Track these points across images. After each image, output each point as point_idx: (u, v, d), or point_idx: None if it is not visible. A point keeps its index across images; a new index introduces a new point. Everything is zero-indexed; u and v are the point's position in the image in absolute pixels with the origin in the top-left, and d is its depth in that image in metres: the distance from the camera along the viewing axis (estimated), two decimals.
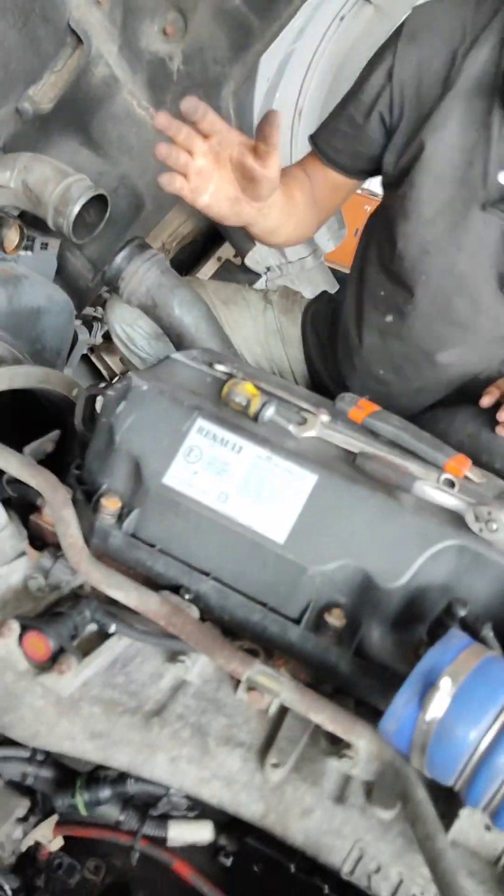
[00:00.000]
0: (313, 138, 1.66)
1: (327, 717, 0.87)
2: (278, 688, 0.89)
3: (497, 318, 1.45)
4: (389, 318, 1.56)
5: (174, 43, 1.85)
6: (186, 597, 1.02)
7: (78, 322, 2.42)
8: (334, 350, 1.75)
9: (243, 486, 1.02)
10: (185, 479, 1.04)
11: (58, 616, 0.94)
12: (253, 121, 2.03)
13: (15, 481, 1.15)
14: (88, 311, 2.40)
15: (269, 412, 1.08)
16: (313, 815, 0.85)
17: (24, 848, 1.05)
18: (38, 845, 1.08)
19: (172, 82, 1.89)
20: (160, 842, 0.98)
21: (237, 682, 0.97)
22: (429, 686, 0.76)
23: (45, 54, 1.87)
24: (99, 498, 1.07)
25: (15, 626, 0.90)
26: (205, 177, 1.27)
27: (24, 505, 1.12)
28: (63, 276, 2.05)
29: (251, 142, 1.26)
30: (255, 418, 1.08)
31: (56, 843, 1.05)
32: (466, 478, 1.05)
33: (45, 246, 1.75)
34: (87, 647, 0.95)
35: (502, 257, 1.38)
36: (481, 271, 1.41)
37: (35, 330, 1.67)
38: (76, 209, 1.63)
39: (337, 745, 0.91)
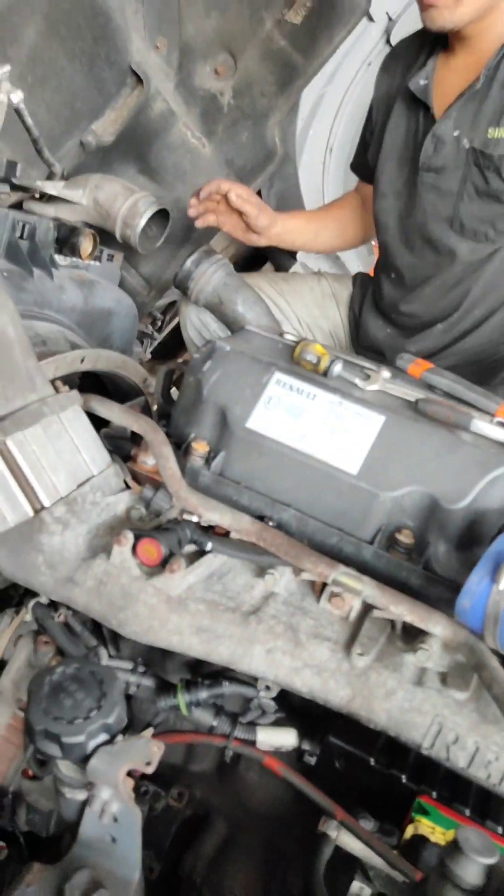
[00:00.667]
0: (351, 164, 2.10)
1: (406, 608, 0.99)
2: (361, 586, 1.01)
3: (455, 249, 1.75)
4: (392, 274, 1.92)
5: (225, 80, 2.07)
6: (270, 524, 1.15)
7: None
8: (374, 301, 2.04)
9: (318, 427, 1.16)
10: (267, 423, 1.18)
11: (165, 530, 1.07)
12: (295, 150, 2.23)
13: (111, 436, 1.29)
14: (140, 326, 2.58)
15: (338, 368, 1.22)
16: (395, 696, 0.96)
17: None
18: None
19: (223, 115, 2.10)
20: (250, 744, 1.09)
21: (319, 595, 1.09)
22: (500, 563, 0.89)
23: (108, 93, 2.08)
24: (189, 443, 1.21)
25: (130, 536, 1.03)
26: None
27: (121, 456, 1.26)
28: None
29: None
30: (325, 374, 1.22)
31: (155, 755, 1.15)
32: None
33: (111, 258, 1.93)
34: (189, 563, 1.08)
35: (441, 206, 1.74)
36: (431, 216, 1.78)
37: (106, 330, 1.83)
38: (143, 221, 1.81)
39: (412, 643, 1.02)
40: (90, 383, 1.70)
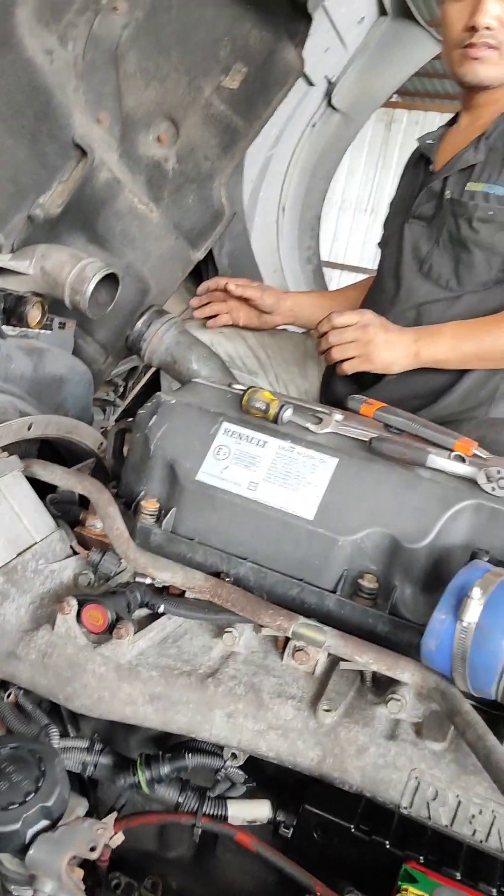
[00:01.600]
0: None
1: (372, 656, 0.93)
2: (322, 637, 0.95)
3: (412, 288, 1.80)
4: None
5: (168, 147, 2.10)
6: (227, 580, 1.09)
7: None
8: None
9: (270, 475, 1.12)
10: (217, 474, 1.13)
11: (112, 593, 1.01)
12: (243, 209, 2.25)
13: (58, 502, 1.24)
14: (101, 394, 2.55)
15: (288, 413, 1.19)
16: (368, 753, 0.89)
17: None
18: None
19: (168, 180, 2.12)
20: (221, 820, 1.00)
21: (282, 651, 1.02)
22: (462, 598, 0.84)
23: (53, 167, 2.11)
24: (139, 502, 1.16)
25: (73, 603, 0.97)
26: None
27: (68, 521, 1.21)
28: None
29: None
30: (276, 420, 1.19)
31: (117, 840, 1.06)
32: (475, 455, 1.15)
33: (62, 325, 1.91)
34: (139, 628, 1.01)
35: (418, 251, 1.80)
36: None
37: (58, 397, 1.80)
38: (91, 286, 1.80)
39: (382, 696, 0.96)
40: (48, 452, 1.66)
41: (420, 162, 1.92)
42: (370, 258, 9.95)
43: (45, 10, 1.90)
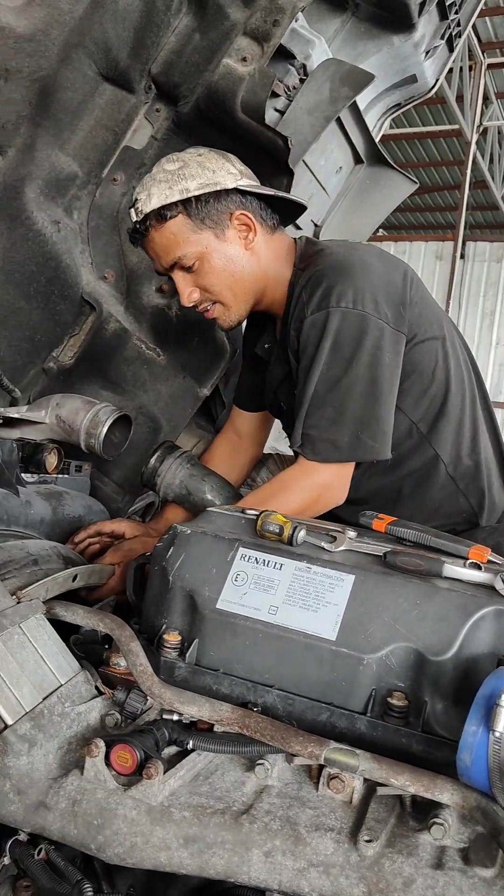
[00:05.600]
0: None
1: (408, 778, 0.90)
2: (355, 761, 0.92)
3: None
4: None
5: (170, 296, 2.24)
6: (255, 710, 1.07)
7: None
8: None
9: (289, 597, 1.13)
10: (237, 601, 1.14)
11: (140, 732, 0.99)
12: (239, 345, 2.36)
13: (81, 642, 1.25)
14: None
15: (301, 534, 1.21)
16: (415, 885, 0.85)
17: None
18: None
19: (172, 325, 2.25)
20: None
21: (317, 780, 0.99)
22: (492, 706, 0.82)
23: (65, 323, 2.25)
24: (161, 636, 1.16)
25: (101, 744, 0.95)
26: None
27: (92, 661, 1.21)
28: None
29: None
30: (290, 542, 1.21)
31: None
32: (490, 561, 1.16)
33: (79, 469, 1.98)
34: (169, 766, 0.99)
35: None
36: None
37: None
38: (105, 429, 1.88)
39: (425, 821, 0.92)
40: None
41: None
42: None
43: (51, 187, 2.09)
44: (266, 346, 1.97)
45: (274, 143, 1.96)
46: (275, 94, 2.16)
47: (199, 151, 1.77)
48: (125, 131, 2.17)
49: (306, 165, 2.45)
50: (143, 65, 2.04)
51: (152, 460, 1.80)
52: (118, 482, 2.35)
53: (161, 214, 1.70)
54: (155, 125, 2.18)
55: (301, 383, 1.65)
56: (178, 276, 1.78)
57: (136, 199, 1.75)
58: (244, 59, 1.98)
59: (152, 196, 1.70)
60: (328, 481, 1.62)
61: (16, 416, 1.87)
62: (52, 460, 1.82)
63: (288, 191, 2.11)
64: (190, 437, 2.65)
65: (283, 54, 2.16)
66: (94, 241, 2.23)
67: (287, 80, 2.21)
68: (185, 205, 1.70)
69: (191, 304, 1.81)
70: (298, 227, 2.69)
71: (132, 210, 1.76)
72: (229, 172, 1.74)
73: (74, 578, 1.40)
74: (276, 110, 2.22)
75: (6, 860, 1.07)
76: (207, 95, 2.00)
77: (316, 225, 2.75)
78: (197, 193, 1.70)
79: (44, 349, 2.26)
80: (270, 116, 2.12)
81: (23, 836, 1.06)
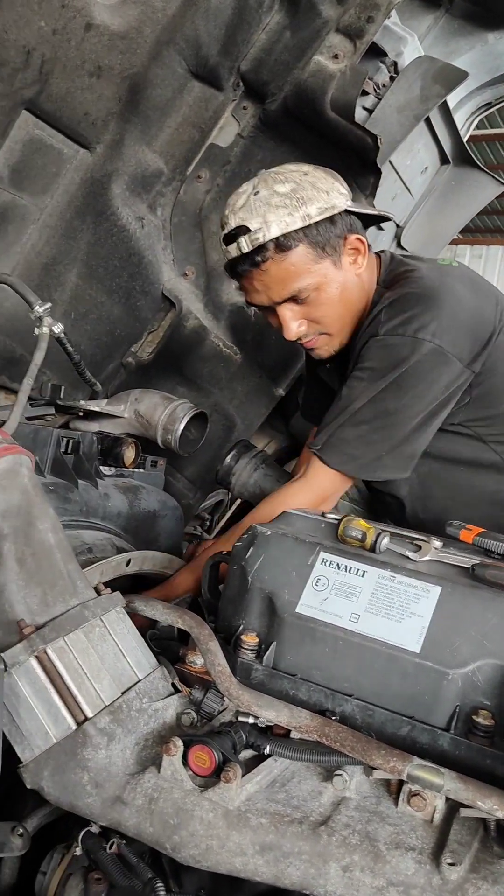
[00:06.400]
0: None
1: (496, 802, 0.86)
2: (441, 780, 0.89)
3: None
4: None
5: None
6: (333, 719, 1.05)
7: None
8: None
9: (372, 605, 1.10)
10: (317, 606, 1.12)
11: (217, 733, 0.98)
12: None
13: (157, 638, 1.24)
14: (188, 528, 2.59)
15: (385, 541, 1.18)
16: None
17: None
18: None
19: (251, 324, 2.24)
20: None
21: (396, 796, 0.96)
22: None
23: (145, 319, 2.27)
24: (238, 636, 1.15)
25: (179, 744, 0.94)
26: None
27: (168, 658, 1.20)
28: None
29: None
30: (373, 549, 1.18)
31: None
32: None
33: (154, 463, 1.99)
34: (246, 771, 0.98)
35: None
36: None
37: (152, 532, 1.84)
38: (182, 425, 1.88)
39: None
40: (139, 586, 1.68)
41: None
42: None
43: (136, 183, 2.11)
44: (327, 365, 1.88)
45: (363, 141, 1.93)
46: (364, 92, 2.13)
47: (303, 170, 1.58)
48: (211, 129, 2.17)
49: (392, 165, 2.41)
50: (232, 62, 2.03)
51: (228, 458, 1.80)
52: (190, 478, 2.36)
53: (282, 244, 1.52)
54: (241, 123, 2.18)
55: (347, 390, 1.57)
56: (286, 309, 1.61)
57: (246, 228, 1.52)
58: (335, 57, 1.95)
59: (270, 224, 1.50)
60: (333, 491, 1.60)
61: (96, 409, 1.89)
62: (130, 454, 1.83)
63: (375, 190, 2.07)
64: (261, 437, 2.64)
65: (375, 51, 2.13)
66: (176, 237, 2.24)
67: (377, 78, 2.18)
68: (307, 232, 1.53)
69: (296, 338, 1.67)
70: (380, 229, 2.65)
71: (242, 239, 1.52)
72: (340, 193, 1.59)
73: (128, 563, 1.41)
74: (365, 108, 2.19)
75: (78, 851, 1.07)
76: (296, 93, 1.98)
77: (398, 226, 2.71)
78: (318, 219, 1.53)
79: (123, 344, 2.28)
80: (359, 115, 2.09)
81: (94, 829, 1.07)
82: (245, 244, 1.53)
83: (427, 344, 1.50)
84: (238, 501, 2.48)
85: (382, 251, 1.81)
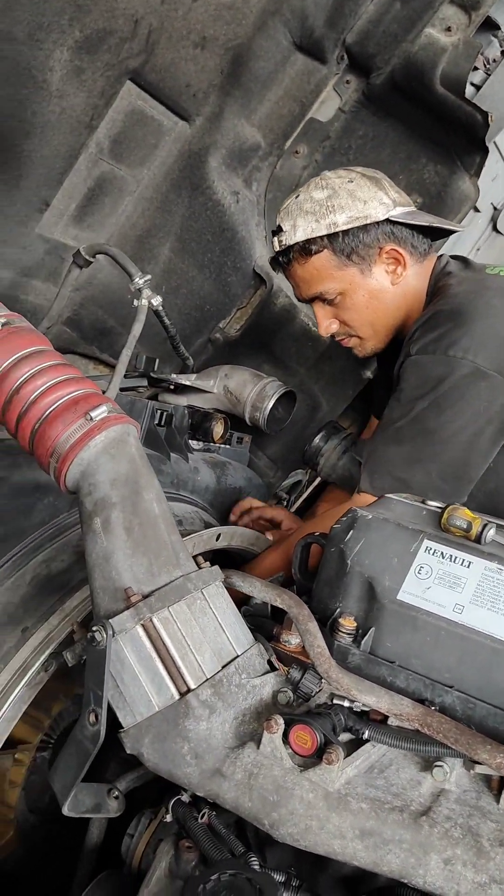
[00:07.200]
0: None
1: None
2: None
3: None
4: None
5: None
6: (432, 709, 1.03)
7: None
8: None
9: (477, 597, 1.07)
10: (419, 594, 1.10)
11: (317, 714, 0.97)
12: None
13: (251, 615, 1.24)
14: None
15: (491, 532, 1.15)
16: None
17: None
18: None
19: None
20: None
21: (498, 792, 0.94)
22: None
23: (234, 295, 2.26)
24: (336, 619, 1.13)
25: (281, 722, 0.94)
26: None
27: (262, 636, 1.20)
28: None
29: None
30: (478, 540, 1.15)
31: None
32: None
33: (240, 440, 1.99)
34: (346, 753, 0.97)
35: None
36: None
37: None
38: (271, 403, 1.88)
39: None
40: (220, 560, 1.69)
41: None
42: None
43: (233, 157, 2.09)
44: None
45: (472, 118, 1.87)
46: (473, 68, 2.05)
47: (350, 177, 1.64)
48: (312, 103, 2.13)
49: (496, 145, 2.33)
50: (338, 34, 1.98)
51: (316, 439, 1.78)
52: (271, 457, 2.35)
53: (305, 248, 1.62)
54: (343, 97, 2.13)
55: (388, 412, 1.56)
56: (318, 307, 1.73)
57: (280, 228, 1.66)
58: (448, 29, 1.89)
59: (297, 228, 1.61)
60: None
61: (186, 383, 1.89)
62: (219, 430, 1.83)
63: (480, 170, 2.01)
64: (343, 420, 2.61)
65: (486, 24, 2.05)
66: (269, 214, 2.22)
67: (488, 53, 2.10)
68: (331, 239, 1.61)
69: (328, 335, 1.76)
70: (477, 210, 2.58)
71: (275, 239, 1.67)
72: (381, 203, 1.61)
73: (218, 538, 1.41)
74: (472, 84, 2.11)
75: (168, 818, 1.09)
76: (404, 67, 1.92)
77: (495, 208, 2.62)
78: (345, 228, 1.60)
79: (212, 320, 2.28)
80: (467, 90, 2.02)
81: (185, 798, 1.08)
82: (276, 244, 1.67)
83: (461, 361, 1.46)
84: (316, 482, 2.47)
85: (441, 255, 1.77)
